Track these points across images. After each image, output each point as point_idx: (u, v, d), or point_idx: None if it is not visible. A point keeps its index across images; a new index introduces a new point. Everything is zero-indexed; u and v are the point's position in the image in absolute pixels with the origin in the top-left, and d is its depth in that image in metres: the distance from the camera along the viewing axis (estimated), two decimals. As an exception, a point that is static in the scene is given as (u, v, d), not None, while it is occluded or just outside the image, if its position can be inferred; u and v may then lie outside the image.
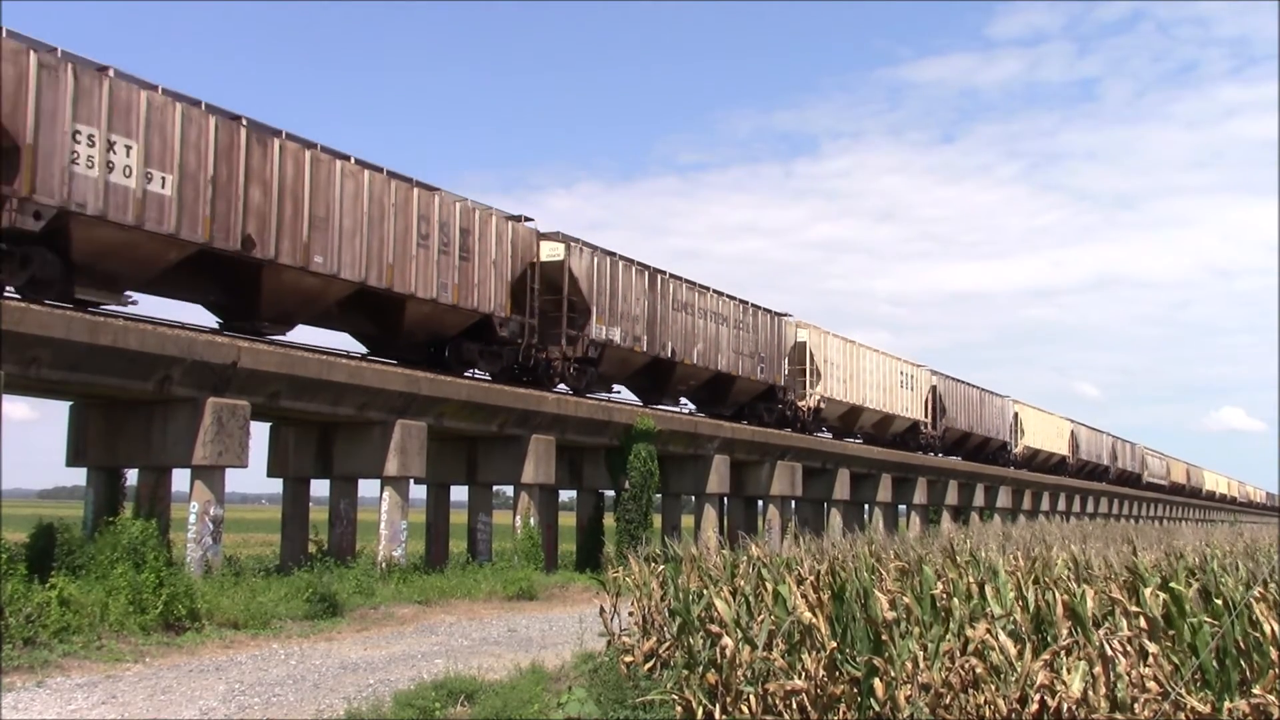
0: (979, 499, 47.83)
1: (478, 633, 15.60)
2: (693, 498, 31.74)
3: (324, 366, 19.34)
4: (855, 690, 6.99)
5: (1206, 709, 6.17)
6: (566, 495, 32.18)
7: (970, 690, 6.61)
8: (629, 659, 9.75)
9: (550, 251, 25.68)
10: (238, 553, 26.45)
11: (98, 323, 15.77)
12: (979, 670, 6.64)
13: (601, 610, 10.98)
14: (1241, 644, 6.58)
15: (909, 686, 6.68)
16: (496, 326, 23.89)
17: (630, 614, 10.56)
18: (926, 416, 44.90)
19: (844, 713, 7.02)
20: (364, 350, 23.05)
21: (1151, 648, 6.64)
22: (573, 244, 26.02)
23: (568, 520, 32.41)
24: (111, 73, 16.63)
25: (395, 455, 20.72)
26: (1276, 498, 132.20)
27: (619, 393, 29.79)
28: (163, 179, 17.04)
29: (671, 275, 29.85)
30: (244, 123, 18.60)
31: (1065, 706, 6.33)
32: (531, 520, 24.13)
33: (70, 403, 18.82)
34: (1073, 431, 63.16)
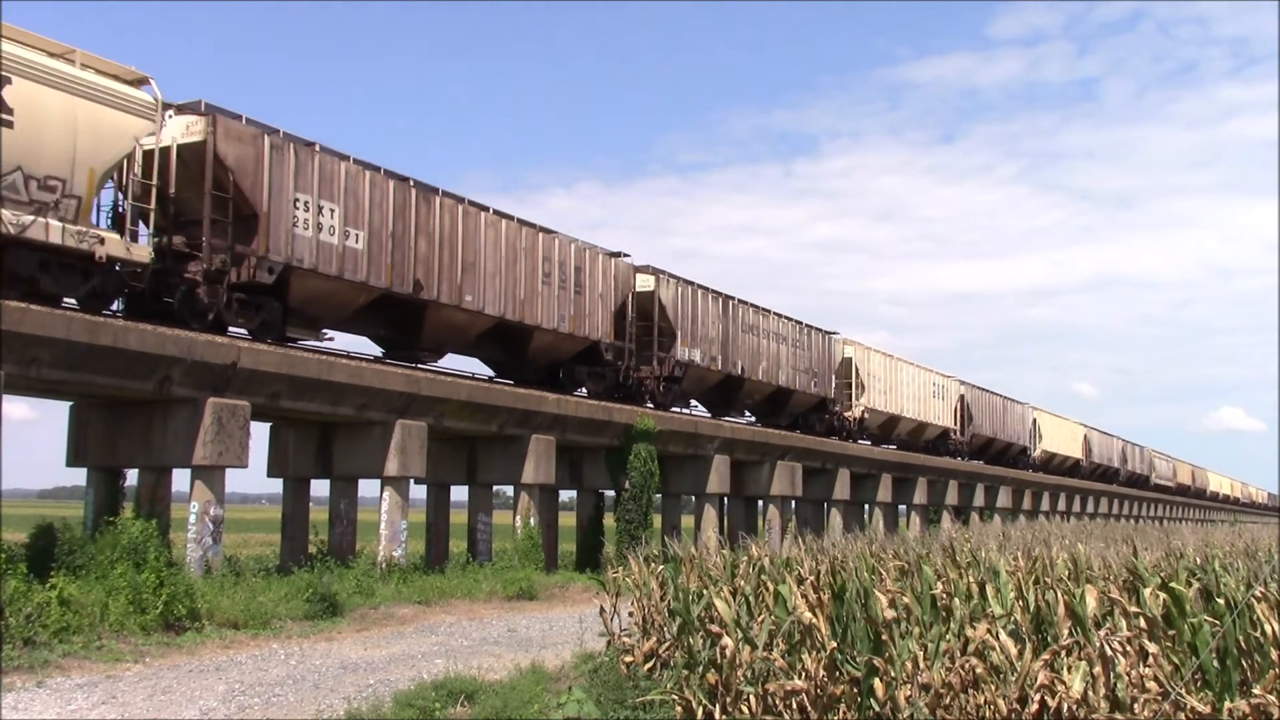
0: (979, 499, 47.87)
1: (478, 633, 15.59)
2: (693, 498, 31.74)
3: (324, 366, 19.34)
4: (855, 690, 6.98)
5: (1206, 709, 6.16)
6: (566, 495, 32.25)
7: (970, 690, 6.61)
8: (629, 659, 9.75)
9: (643, 283, 28.96)
10: (238, 553, 26.43)
11: (98, 323, 15.77)
12: (979, 670, 6.63)
13: (601, 610, 10.98)
14: (1242, 644, 6.57)
15: (909, 686, 6.68)
16: (603, 351, 27.25)
17: (630, 614, 10.56)
18: (956, 424, 48.09)
19: (844, 713, 7.02)
20: (491, 373, 26.53)
21: (1151, 648, 6.62)
22: (661, 276, 29.32)
23: (568, 520, 32.40)
24: (318, 148, 19.89)
25: (395, 455, 20.73)
26: (1279, 498, 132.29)
27: (695, 407, 33.02)
28: (356, 235, 20.41)
29: (740, 300, 32.89)
30: (412, 184, 21.86)
31: (1065, 706, 6.32)
32: (531, 520, 24.13)
33: (70, 403, 18.82)
34: (1085, 436, 65.31)
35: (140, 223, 17.73)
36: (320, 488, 23.03)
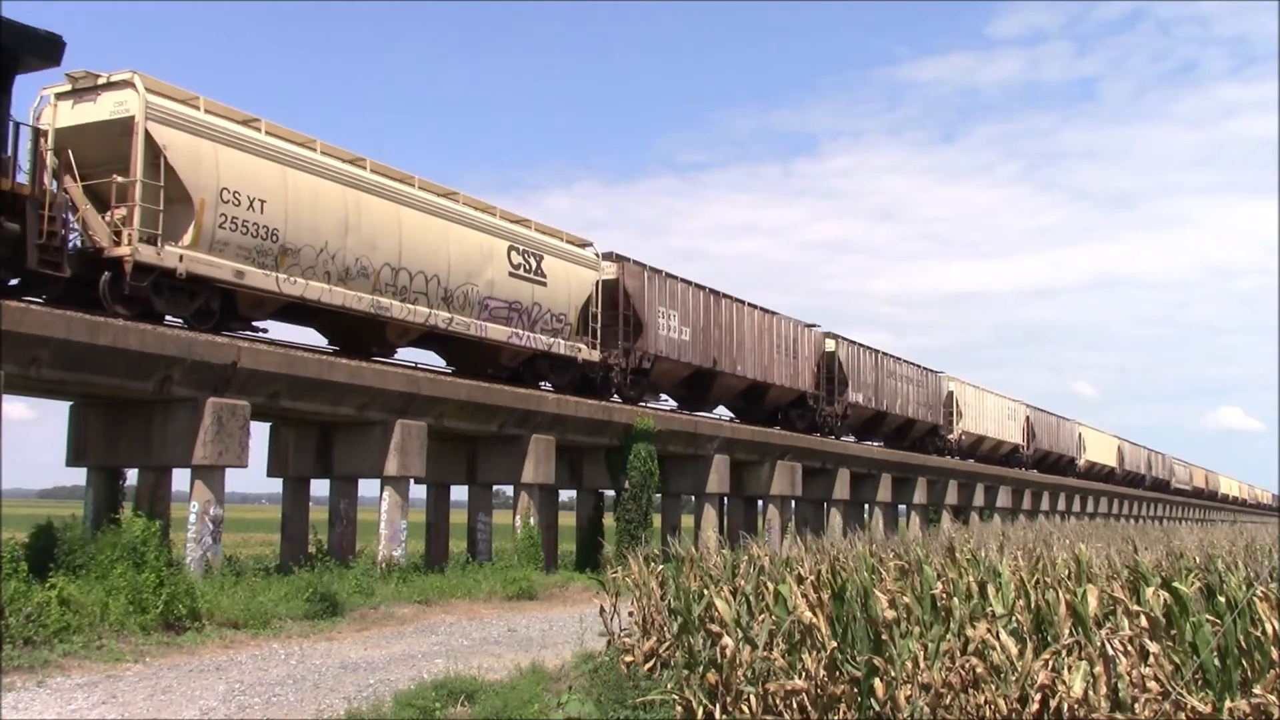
0: (979, 499, 47.89)
1: (478, 633, 15.59)
2: (693, 498, 31.72)
3: (324, 366, 19.32)
4: (855, 690, 6.98)
5: (1207, 709, 6.15)
6: (566, 495, 32.24)
7: (970, 690, 6.60)
8: (629, 659, 9.75)
9: (829, 346, 38.30)
10: (238, 553, 26.43)
11: (97, 323, 15.75)
12: (979, 670, 6.62)
13: (601, 610, 10.97)
14: (1243, 643, 6.56)
15: (909, 686, 6.67)
16: (808, 399, 36.72)
17: (630, 614, 10.55)
18: (1023, 440, 55.96)
19: (844, 713, 7.02)
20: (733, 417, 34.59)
21: (1153, 647, 6.61)
22: (839, 339, 38.74)
23: (568, 520, 32.38)
24: (664, 274, 29.27)
25: (395, 455, 20.71)
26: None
27: (848, 436, 41.09)
28: (685, 331, 29.79)
29: (885, 353, 42.57)
30: (708, 290, 31.20)
31: (1066, 706, 6.31)
32: (531, 520, 24.11)
33: (70, 403, 18.80)
34: (1119, 447, 73.44)
35: (588, 333, 26.59)
36: (320, 487, 23.05)
